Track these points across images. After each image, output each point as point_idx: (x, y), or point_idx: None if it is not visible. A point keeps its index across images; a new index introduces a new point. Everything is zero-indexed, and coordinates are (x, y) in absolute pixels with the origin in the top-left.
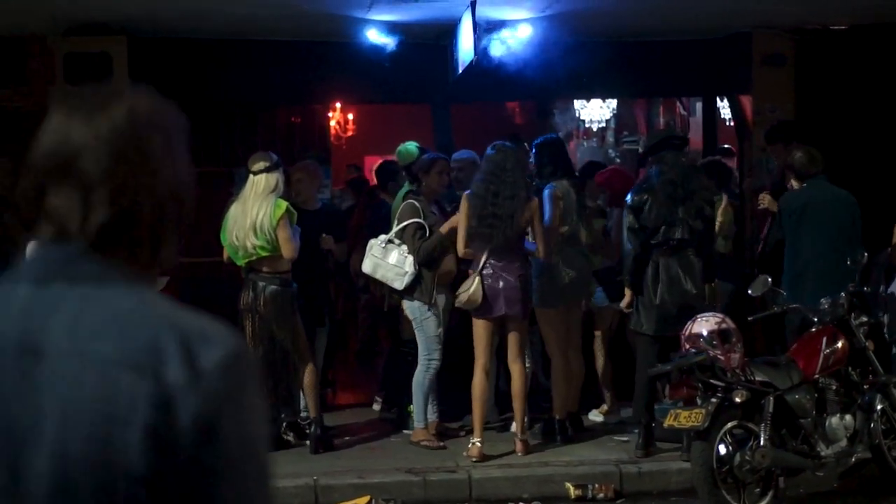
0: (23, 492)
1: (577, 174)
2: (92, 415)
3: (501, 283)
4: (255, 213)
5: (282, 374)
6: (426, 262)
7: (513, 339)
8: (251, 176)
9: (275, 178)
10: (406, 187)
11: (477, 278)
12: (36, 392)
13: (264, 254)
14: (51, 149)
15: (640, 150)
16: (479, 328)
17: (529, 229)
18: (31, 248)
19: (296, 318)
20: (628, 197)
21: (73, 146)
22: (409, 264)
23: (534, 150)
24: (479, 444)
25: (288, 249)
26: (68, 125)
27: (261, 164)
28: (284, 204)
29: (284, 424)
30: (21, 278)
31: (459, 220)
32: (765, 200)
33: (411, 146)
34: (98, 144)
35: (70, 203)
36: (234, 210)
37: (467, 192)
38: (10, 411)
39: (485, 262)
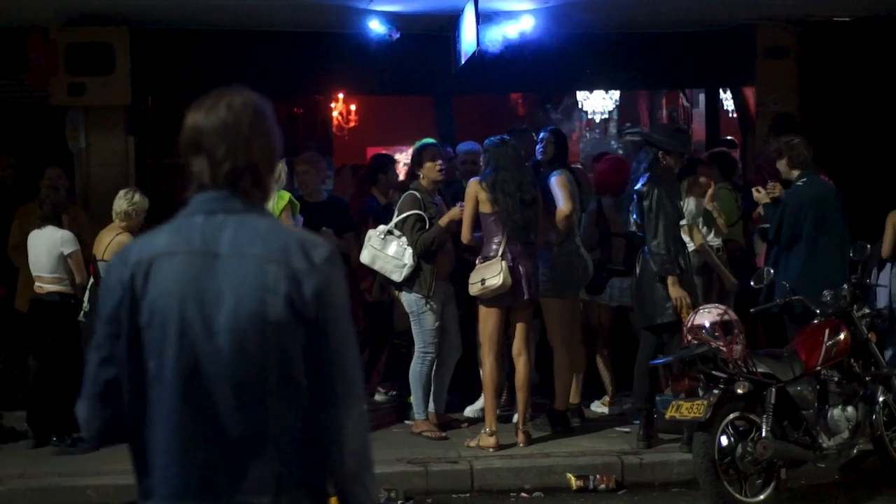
0: (214, 334)
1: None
2: (254, 288)
3: (522, 269)
4: None
5: None
6: (424, 254)
7: (521, 329)
8: None
9: (277, 169)
10: None
11: (503, 263)
12: (218, 277)
13: None
14: (187, 136)
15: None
16: (492, 317)
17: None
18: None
19: None
20: None
21: (198, 133)
22: (407, 256)
23: (549, 137)
24: (491, 433)
25: None
26: (195, 120)
27: None
28: (287, 195)
29: None
30: (195, 213)
31: (465, 207)
32: (776, 189)
33: (429, 142)
34: (212, 130)
35: (202, 167)
36: None
37: (477, 178)
38: (203, 288)
39: (504, 249)
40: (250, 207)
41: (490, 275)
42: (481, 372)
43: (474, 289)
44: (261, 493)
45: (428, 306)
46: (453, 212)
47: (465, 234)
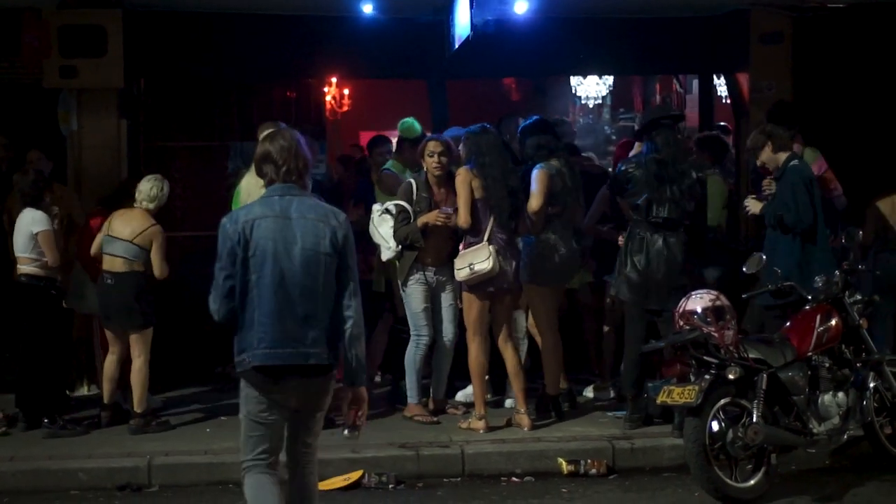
0: (292, 259)
1: (572, 151)
2: (312, 236)
3: (509, 255)
4: None
5: None
6: (400, 244)
7: (504, 317)
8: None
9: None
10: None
11: (492, 248)
12: (292, 230)
13: None
14: (261, 155)
15: (636, 128)
16: (476, 302)
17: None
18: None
19: None
20: (618, 168)
21: (268, 152)
22: (393, 240)
23: (518, 136)
24: (480, 417)
25: None
26: (265, 146)
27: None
28: None
29: None
30: (272, 195)
31: (460, 193)
32: (773, 186)
33: (412, 122)
34: (277, 150)
35: (272, 170)
36: (247, 182)
37: (468, 165)
38: (284, 235)
39: (491, 234)
40: (301, 192)
41: (478, 259)
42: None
43: (462, 274)
44: (315, 345)
45: (410, 291)
46: (430, 215)
47: (466, 219)
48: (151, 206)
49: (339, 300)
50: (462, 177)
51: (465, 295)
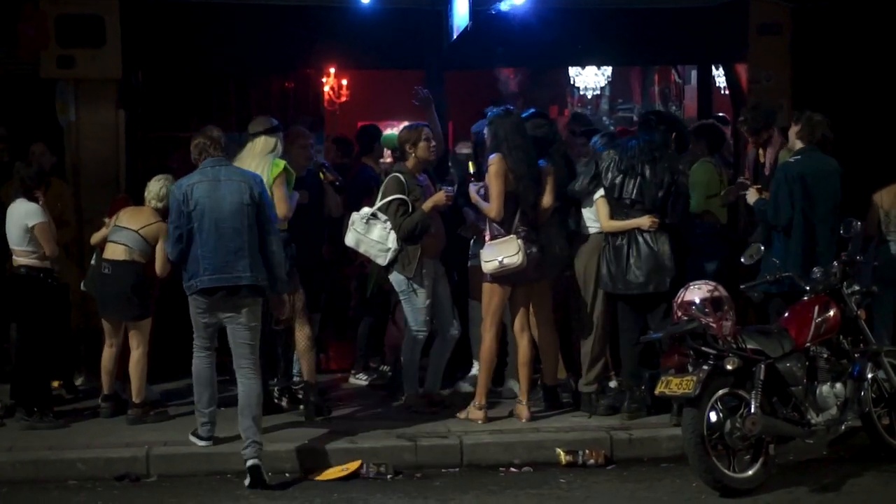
0: (222, 211)
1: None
2: (237, 193)
3: (535, 248)
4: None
5: (276, 338)
6: (408, 238)
7: (523, 303)
8: (250, 138)
9: (273, 140)
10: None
11: (520, 241)
12: (222, 189)
13: None
14: (198, 142)
15: (634, 118)
16: (498, 293)
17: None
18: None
19: (295, 279)
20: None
21: (202, 140)
22: (391, 240)
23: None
24: (481, 407)
25: (282, 208)
26: (199, 138)
27: (259, 126)
28: (282, 163)
29: (277, 389)
30: (206, 166)
31: (494, 184)
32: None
33: (393, 135)
34: (209, 137)
35: (208, 149)
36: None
37: (498, 153)
38: (217, 194)
39: (517, 226)
40: (227, 163)
41: (508, 253)
42: (473, 346)
43: (490, 267)
44: (244, 271)
45: (415, 286)
46: (438, 197)
47: (499, 212)
48: (160, 205)
49: (262, 238)
50: (496, 167)
51: (488, 285)
